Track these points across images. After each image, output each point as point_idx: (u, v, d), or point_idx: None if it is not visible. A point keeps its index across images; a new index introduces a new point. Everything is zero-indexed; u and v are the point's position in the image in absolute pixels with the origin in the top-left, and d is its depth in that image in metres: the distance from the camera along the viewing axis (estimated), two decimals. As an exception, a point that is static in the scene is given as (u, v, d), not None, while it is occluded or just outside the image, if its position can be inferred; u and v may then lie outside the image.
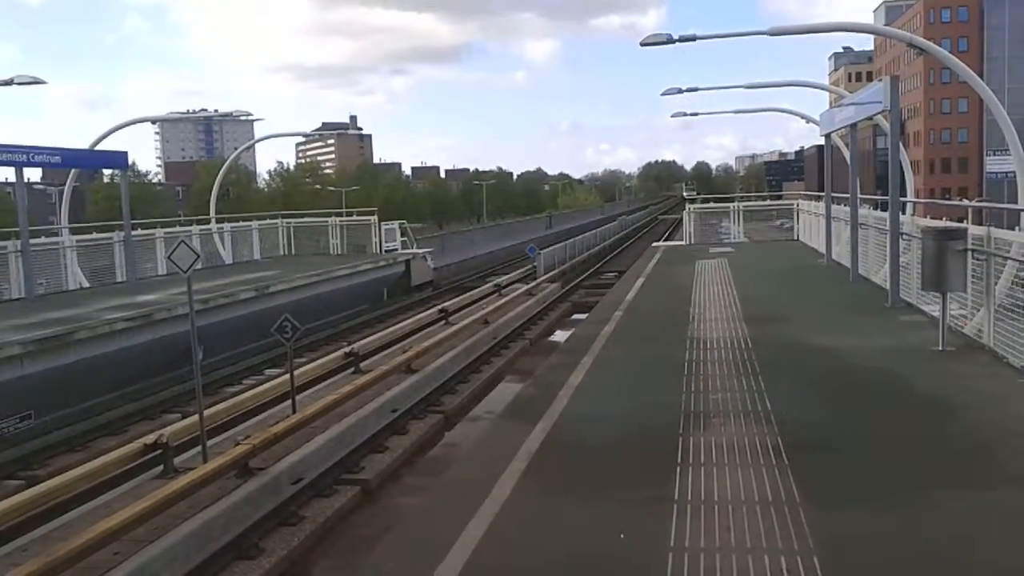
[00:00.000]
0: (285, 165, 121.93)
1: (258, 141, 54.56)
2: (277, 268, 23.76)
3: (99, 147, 23.77)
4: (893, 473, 6.31)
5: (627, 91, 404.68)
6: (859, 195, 17.19)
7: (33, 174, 65.78)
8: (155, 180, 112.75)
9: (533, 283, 26.26)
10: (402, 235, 30.66)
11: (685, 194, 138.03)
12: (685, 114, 33.90)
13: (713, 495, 5.99)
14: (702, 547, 5.17)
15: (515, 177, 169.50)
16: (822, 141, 23.27)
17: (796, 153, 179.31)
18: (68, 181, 25.17)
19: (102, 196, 76.76)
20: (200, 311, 14.73)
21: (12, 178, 20.63)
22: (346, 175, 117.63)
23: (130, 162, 24.89)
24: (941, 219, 18.54)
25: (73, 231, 23.46)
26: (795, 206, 30.76)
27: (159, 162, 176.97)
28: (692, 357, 10.50)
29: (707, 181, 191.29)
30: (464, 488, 6.50)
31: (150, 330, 15.11)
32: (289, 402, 11.10)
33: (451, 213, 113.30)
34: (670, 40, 17.27)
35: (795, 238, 29.05)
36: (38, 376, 12.67)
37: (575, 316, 23.40)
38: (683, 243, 30.09)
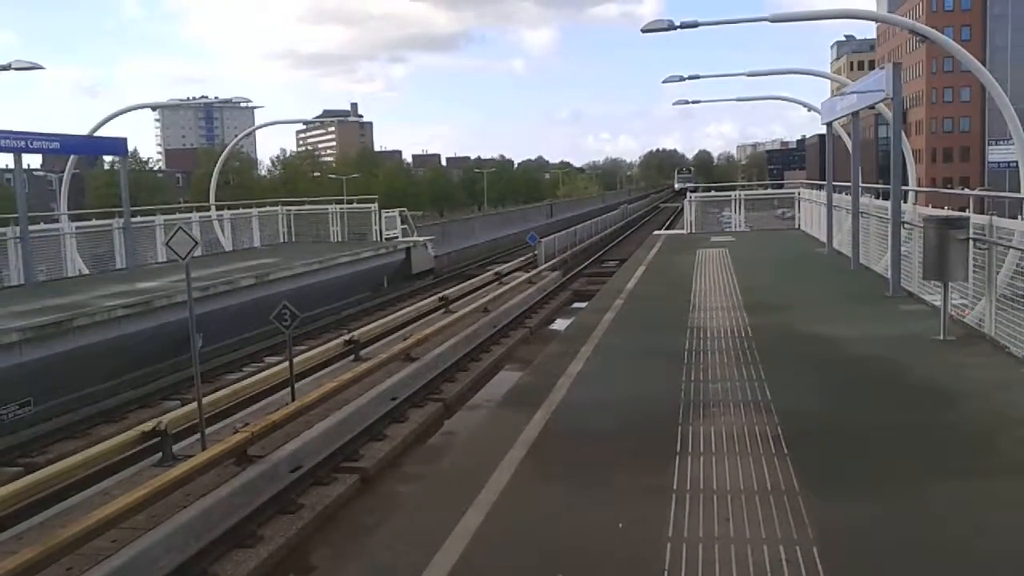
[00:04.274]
0: (288, 152, 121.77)
1: (258, 128, 54.47)
2: (277, 255, 23.71)
3: (99, 133, 23.70)
4: (893, 462, 6.29)
5: (627, 79, 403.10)
6: (860, 184, 17.13)
7: (33, 160, 65.93)
8: (155, 167, 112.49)
9: (534, 271, 26.23)
10: (402, 223, 30.59)
11: (678, 185, 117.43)
12: (687, 102, 33.81)
13: (712, 484, 5.97)
14: (700, 537, 5.15)
15: (516, 165, 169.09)
16: (823, 130, 23.18)
17: (798, 142, 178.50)
18: (68, 167, 25.08)
19: (102, 183, 76.51)
20: (199, 298, 14.74)
21: (11, 164, 20.53)
22: (347, 163, 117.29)
23: (130, 149, 24.81)
24: (943, 208, 18.48)
25: (73, 218, 23.40)
26: (796, 195, 30.71)
27: (159, 149, 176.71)
28: (692, 346, 10.47)
29: (708, 169, 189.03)
30: (463, 476, 6.48)
31: (149, 317, 15.08)
32: (288, 390, 11.08)
33: (452, 201, 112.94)
34: (671, 26, 17.19)
35: (796, 227, 28.99)
36: (37, 363, 12.64)
37: (575, 304, 23.38)
38: (684, 232, 30.05)
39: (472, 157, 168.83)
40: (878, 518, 5.30)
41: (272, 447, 9.43)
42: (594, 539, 5.24)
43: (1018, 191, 14.85)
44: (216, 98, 64.58)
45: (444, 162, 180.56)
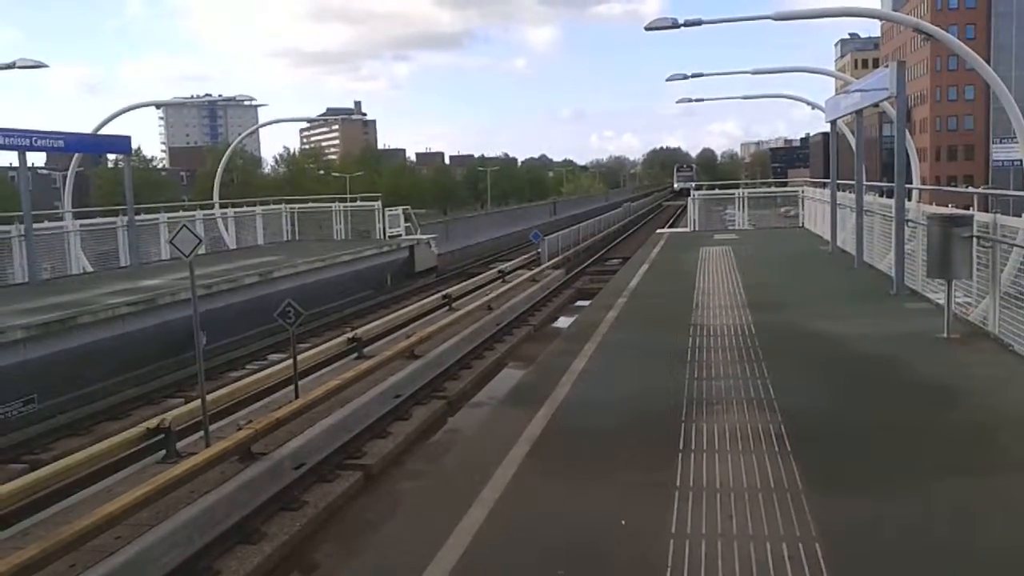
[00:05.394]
0: (292, 151, 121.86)
1: (262, 126, 54.43)
2: (281, 253, 23.75)
3: (103, 132, 23.74)
4: (896, 459, 6.28)
5: (630, 78, 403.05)
6: (864, 182, 17.11)
7: (37, 159, 66.13)
8: (159, 165, 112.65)
9: (537, 269, 26.22)
10: (406, 221, 30.61)
11: (678, 184, 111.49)
12: (690, 100, 33.86)
13: (715, 481, 5.97)
14: (703, 533, 5.15)
15: (520, 164, 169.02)
16: (827, 128, 23.16)
17: (801, 140, 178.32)
18: (72, 166, 25.16)
19: (106, 181, 76.69)
20: (203, 296, 14.73)
21: (15, 162, 20.55)
22: (350, 161, 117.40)
23: (134, 147, 24.83)
24: (947, 206, 18.45)
25: (77, 216, 23.46)
26: (800, 193, 30.68)
27: (163, 147, 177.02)
28: (695, 343, 10.47)
29: (712, 167, 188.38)
30: (466, 473, 6.48)
31: (153, 315, 15.11)
32: (292, 387, 11.09)
33: (455, 199, 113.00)
34: (675, 24, 17.20)
35: (800, 225, 28.97)
36: (41, 360, 12.68)
37: (579, 302, 23.36)
38: (688, 230, 30.06)
39: (476, 155, 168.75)
40: (881, 515, 5.30)
41: (276, 444, 9.43)
42: (597, 536, 5.24)
43: (1022, 189, 14.79)
44: (220, 96, 64.63)
45: (447, 160, 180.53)
